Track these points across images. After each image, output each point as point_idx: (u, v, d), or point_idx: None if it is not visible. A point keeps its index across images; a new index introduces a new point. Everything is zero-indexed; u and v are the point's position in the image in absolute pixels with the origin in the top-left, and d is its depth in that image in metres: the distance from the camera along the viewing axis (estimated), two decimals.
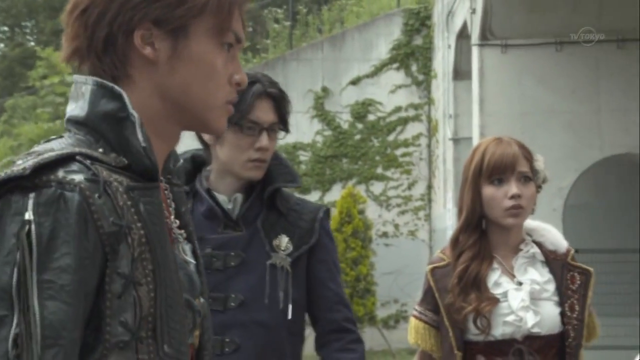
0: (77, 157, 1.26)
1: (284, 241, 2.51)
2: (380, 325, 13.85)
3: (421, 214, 14.77)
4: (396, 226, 14.72)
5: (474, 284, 2.68)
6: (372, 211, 14.31)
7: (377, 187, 14.79)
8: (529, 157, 2.74)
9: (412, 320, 2.85)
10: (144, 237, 1.25)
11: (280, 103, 2.52)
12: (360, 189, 14.25)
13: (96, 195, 1.23)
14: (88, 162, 1.26)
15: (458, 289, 2.69)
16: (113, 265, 1.23)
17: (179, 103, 1.37)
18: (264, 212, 2.52)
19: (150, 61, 1.36)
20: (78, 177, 1.23)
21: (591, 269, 2.78)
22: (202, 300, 1.42)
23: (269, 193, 2.52)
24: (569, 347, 2.68)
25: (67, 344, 1.18)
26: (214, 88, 1.37)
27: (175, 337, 1.27)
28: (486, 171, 2.71)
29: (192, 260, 1.42)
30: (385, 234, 14.68)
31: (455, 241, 2.77)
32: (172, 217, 1.41)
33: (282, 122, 2.54)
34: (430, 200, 14.80)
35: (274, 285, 2.46)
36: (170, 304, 1.26)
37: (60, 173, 1.23)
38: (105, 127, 1.32)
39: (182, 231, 1.42)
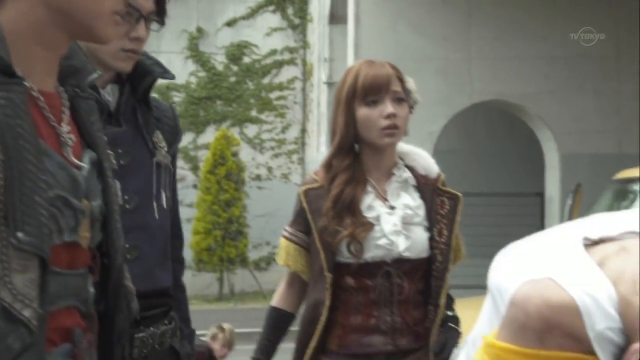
0: None
1: (160, 137, 2.39)
2: (252, 267, 13.95)
3: (295, 157, 14.86)
4: (269, 169, 14.78)
5: (349, 208, 2.68)
6: (246, 154, 14.32)
7: (251, 130, 14.79)
8: (401, 77, 2.74)
9: (283, 242, 2.82)
10: None
11: None
12: (234, 132, 14.22)
13: None
14: None
15: (332, 213, 2.68)
16: None
17: (63, 10, 1.39)
18: (138, 107, 2.38)
19: None
20: None
21: (460, 194, 2.82)
22: (94, 203, 1.44)
23: (147, 85, 2.38)
24: (435, 270, 2.73)
25: None
26: None
27: (33, 226, 1.30)
28: (360, 92, 2.69)
29: (85, 165, 1.45)
30: (258, 177, 14.73)
31: (328, 165, 2.75)
32: (63, 123, 1.44)
33: (160, 13, 2.35)
34: (304, 144, 14.90)
35: (159, 184, 2.35)
36: (25, 194, 1.30)
37: None
38: None
39: (72, 135, 1.45)
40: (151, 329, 2.29)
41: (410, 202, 2.74)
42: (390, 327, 2.69)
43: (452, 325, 2.79)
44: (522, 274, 1.24)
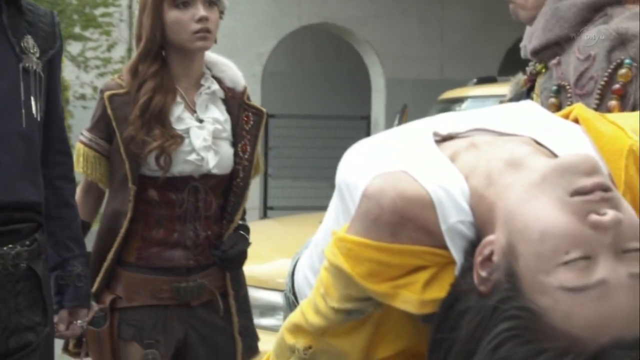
0: None
1: (30, 43, 2.25)
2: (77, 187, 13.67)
3: None
4: (94, 88, 14.36)
5: (158, 118, 2.61)
6: (69, 72, 13.86)
7: (74, 48, 14.31)
8: None
9: (81, 147, 2.70)
10: None
11: None
12: None
13: None
14: None
15: (140, 122, 2.60)
16: None
17: None
18: (5, 8, 2.22)
19: None
20: None
21: (264, 109, 2.81)
22: None
23: None
24: (235, 186, 2.73)
25: None
26: None
27: None
28: None
29: None
30: (83, 96, 14.33)
31: (134, 71, 2.65)
32: None
33: None
34: None
35: (27, 91, 2.22)
36: None
37: None
38: None
39: None
40: (4, 248, 2.17)
41: (219, 116, 2.71)
42: (193, 242, 2.69)
43: (243, 233, 2.80)
44: (374, 169, 1.19)
